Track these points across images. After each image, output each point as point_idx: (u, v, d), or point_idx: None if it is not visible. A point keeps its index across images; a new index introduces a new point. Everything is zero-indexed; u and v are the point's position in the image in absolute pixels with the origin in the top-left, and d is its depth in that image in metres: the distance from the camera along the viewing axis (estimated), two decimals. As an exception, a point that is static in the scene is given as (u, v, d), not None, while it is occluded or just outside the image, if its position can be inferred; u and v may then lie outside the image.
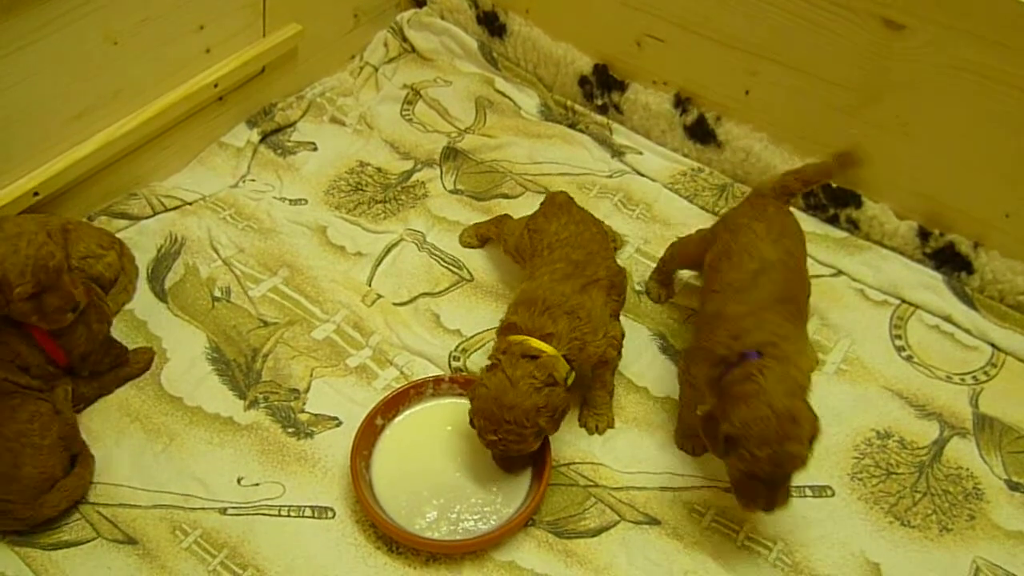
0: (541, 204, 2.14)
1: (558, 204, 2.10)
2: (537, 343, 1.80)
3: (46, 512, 1.75)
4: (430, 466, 1.87)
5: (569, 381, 1.82)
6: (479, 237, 2.32)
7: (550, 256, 1.98)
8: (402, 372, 2.06)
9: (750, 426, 1.57)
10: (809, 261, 2.28)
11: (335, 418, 1.97)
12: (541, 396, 1.74)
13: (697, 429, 1.74)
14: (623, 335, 1.96)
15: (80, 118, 2.17)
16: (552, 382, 1.77)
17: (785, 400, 1.59)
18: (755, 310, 1.76)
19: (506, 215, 2.29)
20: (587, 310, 1.87)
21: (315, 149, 2.60)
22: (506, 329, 1.87)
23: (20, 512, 1.73)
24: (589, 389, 1.97)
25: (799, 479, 1.82)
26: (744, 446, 1.58)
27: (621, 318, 2.06)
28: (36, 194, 2.10)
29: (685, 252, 2.13)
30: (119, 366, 2.01)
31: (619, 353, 1.96)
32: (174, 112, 2.35)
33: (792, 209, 2.39)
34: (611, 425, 1.97)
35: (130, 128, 2.26)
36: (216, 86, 2.43)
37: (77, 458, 1.83)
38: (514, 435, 1.74)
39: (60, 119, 2.13)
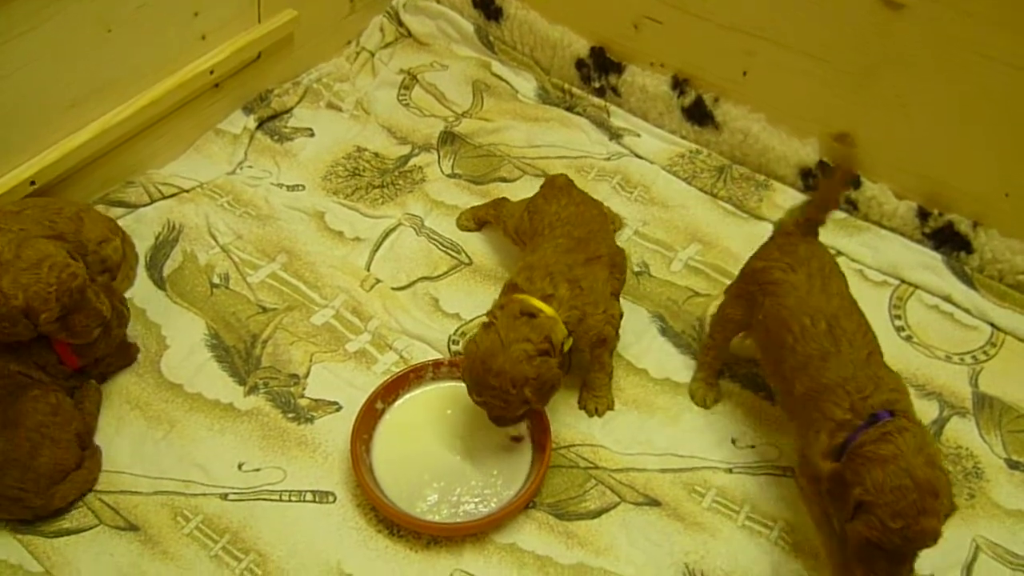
0: (541, 187, 2.13)
1: (558, 186, 2.10)
2: (537, 302, 1.79)
3: (56, 503, 1.76)
4: (430, 449, 1.88)
5: (566, 347, 1.81)
6: (476, 220, 2.32)
7: (551, 234, 1.97)
8: (401, 356, 2.06)
9: (886, 494, 1.44)
10: (808, 242, 2.30)
11: (335, 403, 1.97)
12: (532, 367, 1.72)
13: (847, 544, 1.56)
14: (621, 315, 1.96)
15: (76, 106, 2.16)
16: (546, 350, 1.75)
17: (926, 469, 1.46)
18: (860, 368, 1.63)
19: (504, 198, 2.29)
20: (589, 282, 1.87)
21: (312, 135, 2.59)
22: (507, 289, 1.86)
23: (32, 501, 1.74)
24: (588, 371, 1.97)
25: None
26: (875, 514, 1.45)
27: (620, 300, 2.06)
28: (33, 183, 2.10)
29: (725, 328, 1.94)
30: (127, 365, 2.02)
31: (617, 333, 1.96)
32: (170, 99, 2.35)
33: (793, 192, 2.41)
34: (611, 407, 1.97)
35: (126, 116, 2.25)
36: (212, 73, 2.42)
37: (86, 451, 1.85)
38: (499, 400, 1.74)
39: (56, 108, 2.13)
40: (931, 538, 1.45)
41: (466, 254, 2.28)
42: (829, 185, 1.86)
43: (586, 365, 1.97)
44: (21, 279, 1.71)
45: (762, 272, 1.82)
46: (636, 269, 2.24)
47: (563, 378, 1.81)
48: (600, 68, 2.66)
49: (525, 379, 1.71)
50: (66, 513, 1.79)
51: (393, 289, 2.20)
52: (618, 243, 2.19)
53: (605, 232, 2.05)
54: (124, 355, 2.00)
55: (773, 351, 1.76)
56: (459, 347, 2.06)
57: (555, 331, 1.77)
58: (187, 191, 2.40)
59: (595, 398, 1.97)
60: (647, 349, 2.08)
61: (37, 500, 1.74)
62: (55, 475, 1.75)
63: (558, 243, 1.93)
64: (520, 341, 1.72)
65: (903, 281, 2.23)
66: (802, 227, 1.86)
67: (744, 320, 1.87)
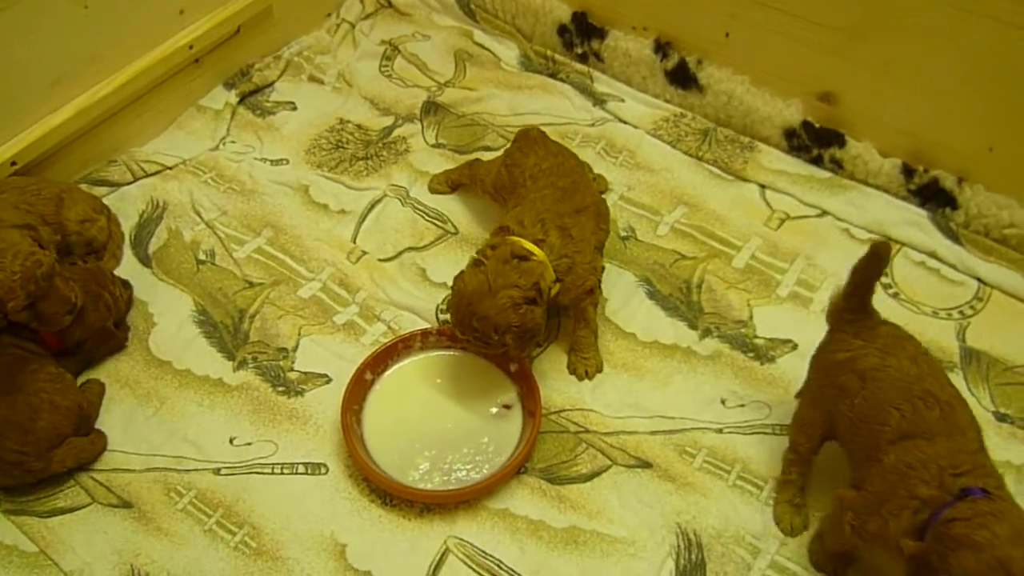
0: (514, 140, 2.14)
1: (532, 138, 2.10)
2: (529, 244, 1.80)
3: (55, 467, 1.77)
4: (421, 418, 1.88)
5: (553, 292, 1.82)
6: (450, 183, 2.31)
7: (535, 185, 1.98)
8: (390, 327, 2.06)
9: None
10: (794, 202, 2.31)
11: (324, 375, 1.98)
12: (516, 315, 1.73)
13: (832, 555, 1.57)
14: (603, 269, 1.96)
15: (55, 85, 2.15)
16: (533, 298, 1.76)
17: (1022, 563, 1.29)
18: (958, 443, 1.49)
19: (476, 159, 2.30)
20: (578, 231, 1.89)
21: (294, 109, 2.58)
22: (499, 231, 1.87)
23: (32, 464, 1.74)
24: (574, 331, 1.98)
25: (788, 418, 1.84)
26: None
27: (607, 264, 2.06)
28: (14, 163, 2.09)
29: (812, 438, 1.72)
30: (116, 350, 2.02)
31: (600, 286, 1.95)
32: (150, 76, 2.33)
33: (778, 153, 2.41)
34: (600, 369, 1.98)
35: (106, 93, 2.24)
36: (191, 48, 2.40)
37: (90, 435, 1.86)
38: (480, 341, 1.77)
39: (35, 87, 2.11)
40: None
41: (452, 223, 2.27)
42: (866, 260, 1.68)
43: (571, 325, 1.98)
44: None
45: (851, 362, 1.63)
46: (622, 234, 2.24)
47: (548, 334, 1.85)
48: (582, 33, 2.64)
49: (508, 326, 1.74)
50: (58, 492, 1.79)
51: (380, 260, 2.19)
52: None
53: (587, 180, 2.06)
54: (107, 343, 1.99)
55: (868, 431, 1.58)
56: (446, 316, 2.06)
57: (544, 276, 1.79)
58: (170, 168, 2.39)
59: (583, 360, 1.97)
60: (635, 313, 2.08)
61: (37, 463, 1.75)
62: (54, 439, 1.76)
63: (544, 194, 1.94)
64: (508, 287, 1.74)
65: (889, 238, 2.23)
66: (854, 304, 1.68)
67: (828, 420, 1.67)
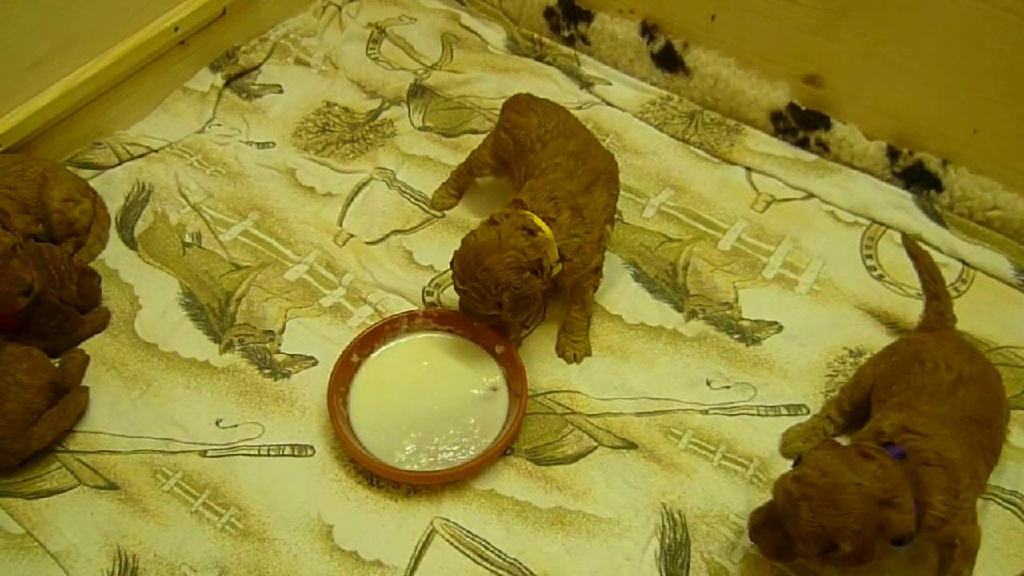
0: (504, 109, 2.14)
1: (524, 101, 2.12)
2: (539, 221, 1.83)
3: (35, 444, 1.77)
4: (407, 400, 1.88)
5: (554, 272, 1.85)
6: (454, 191, 2.28)
7: (545, 151, 1.98)
8: (376, 309, 2.06)
9: None
10: (780, 185, 2.32)
11: (311, 357, 1.98)
12: (518, 277, 1.78)
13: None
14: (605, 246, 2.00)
15: (38, 67, 2.14)
16: (536, 268, 1.80)
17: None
18: (925, 408, 1.63)
19: (464, 162, 2.27)
20: (590, 211, 1.91)
21: (281, 91, 2.57)
22: (513, 203, 1.89)
23: (10, 446, 1.74)
24: (568, 311, 1.99)
25: (773, 398, 1.86)
26: None
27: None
28: (-2, 145, 2.08)
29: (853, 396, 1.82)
30: (63, 333, 1.98)
31: (602, 267, 1.98)
32: (135, 58, 2.33)
33: (764, 135, 2.42)
34: (588, 353, 1.98)
35: (91, 75, 2.23)
36: (177, 30, 2.39)
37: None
38: (478, 294, 1.80)
39: (17, 68, 2.10)
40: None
41: (439, 206, 2.28)
42: (924, 276, 1.90)
43: (561, 307, 2.00)
44: None
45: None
46: (609, 216, 2.24)
47: (535, 316, 1.90)
48: (569, 16, 2.64)
49: (508, 284, 1.78)
50: (44, 474, 1.80)
51: (366, 243, 2.19)
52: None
53: (594, 139, 2.08)
54: (55, 318, 1.95)
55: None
56: (433, 298, 2.07)
57: (548, 255, 1.82)
58: (156, 151, 2.38)
59: (573, 344, 1.98)
60: (621, 295, 2.09)
61: (15, 444, 1.75)
62: (27, 417, 1.76)
63: (557, 163, 1.95)
64: (516, 249, 1.78)
65: (874, 221, 2.24)
66: (937, 321, 1.87)
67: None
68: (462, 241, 1.85)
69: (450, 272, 2.09)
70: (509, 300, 1.79)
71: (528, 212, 1.85)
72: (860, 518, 1.44)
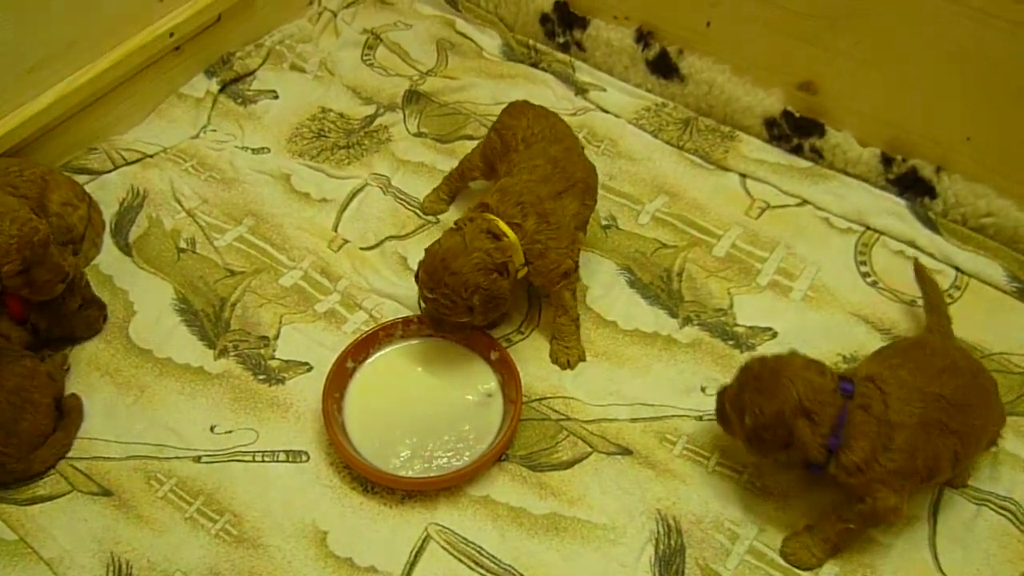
0: (502, 112, 2.15)
1: (519, 105, 2.14)
2: (504, 226, 1.84)
3: (36, 467, 1.77)
4: (402, 406, 1.88)
5: (520, 275, 1.87)
6: (446, 195, 2.28)
7: (527, 152, 1.99)
8: (371, 315, 2.06)
9: None
10: (774, 191, 2.32)
11: (306, 363, 1.98)
12: (486, 278, 1.79)
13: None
14: (579, 250, 1.99)
15: (33, 72, 2.14)
16: (502, 269, 1.81)
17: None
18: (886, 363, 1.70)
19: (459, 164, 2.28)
20: (557, 217, 1.90)
21: (276, 97, 2.58)
22: (479, 207, 1.89)
23: (13, 465, 1.74)
24: (553, 318, 1.99)
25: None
26: None
27: (589, 253, 2.08)
28: (-8, 150, 2.08)
29: None
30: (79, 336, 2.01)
31: (577, 266, 1.97)
32: (130, 63, 2.32)
33: (758, 142, 2.42)
34: (582, 358, 1.98)
35: (86, 80, 2.23)
36: (172, 35, 2.39)
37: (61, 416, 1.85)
38: (448, 300, 1.80)
39: (13, 73, 2.10)
40: None
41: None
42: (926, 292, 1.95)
43: (551, 308, 2.01)
44: None
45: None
46: (604, 222, 2.24)
47: (528, 321, 1.94)
48: (564, 23, 2.64)
49: (477, 286, 1.79)
50: (38, 480, 1.79)
51: (361, 249, 2.19)
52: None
53: (579, 149, 2.08)
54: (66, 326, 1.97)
55: None
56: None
57: (513, 259, 1.84)
58: (151, 156, 2.38)
59: (565, 350, 1.98)
60: (616, 301, 2.09)
61: (18, 465, 1.74)
62: (35, 440, 1.76)
63: (535, 166, 1.96)
64: (481, 251, 1.80)
65: (868, 227, 2.24)
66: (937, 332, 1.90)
67: None
68: (426, 251, 1.85)
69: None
70: (480, 303, 1.81)
71: (492, 216, 1.85)
72: (778, 409, 1.57)
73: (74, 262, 1.87)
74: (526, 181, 1.92)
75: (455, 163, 2.28)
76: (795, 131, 2.38)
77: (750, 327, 2.04)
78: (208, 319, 2.05)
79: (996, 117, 2.10)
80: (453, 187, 2.28)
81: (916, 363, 1.67)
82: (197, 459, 1.83)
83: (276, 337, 2.02)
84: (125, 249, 2.17)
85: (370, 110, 2.54)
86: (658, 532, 1.73)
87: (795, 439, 1.58)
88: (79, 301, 1.94)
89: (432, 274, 1.81)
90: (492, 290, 1.80)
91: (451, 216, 2.26)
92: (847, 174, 2.34)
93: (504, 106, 2.16)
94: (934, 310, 1.92)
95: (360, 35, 2.77)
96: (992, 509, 1.76)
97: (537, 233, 1.87)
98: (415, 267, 2.12)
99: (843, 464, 1.58)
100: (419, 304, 1.91)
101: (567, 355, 1.98)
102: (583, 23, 2.62)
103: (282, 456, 1.84)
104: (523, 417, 1.87)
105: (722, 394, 1.73)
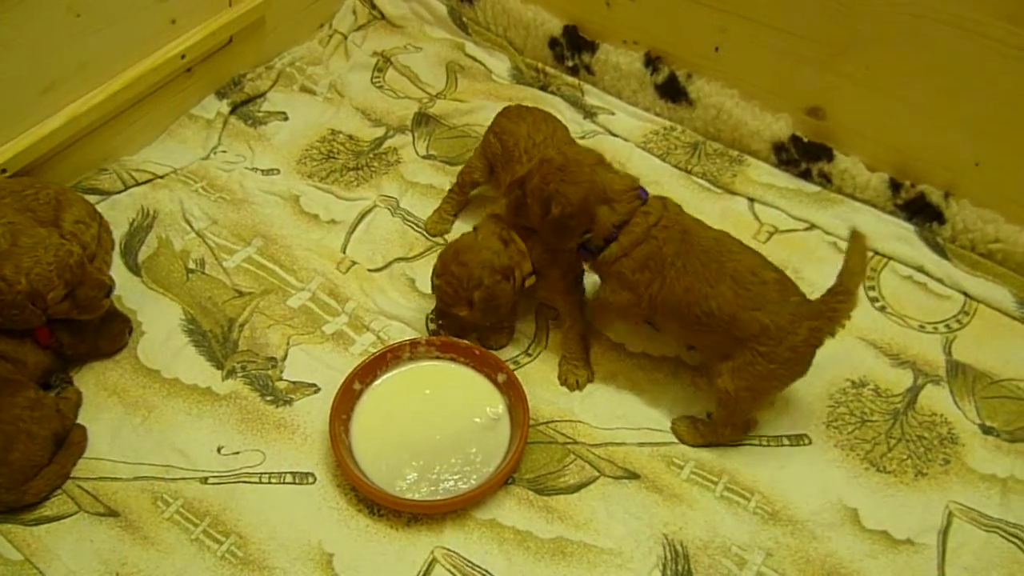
0: (497, 115, 2.20)
1: (515, 109, 2.19)
2: (516, 236, 1.93)
3: (28, 499, 1.76)
4: (409, 428, 1.88)
5: (527, 284, 1.95)
6: (450, 214, 2.30)
7: (530, 163, 2.01)
8: (379, 337, 2.06)
9: None
10: (783, 216, 2.33)
11: (313, 385, 1.98)
12: (489, 277, 1.89)
13: None
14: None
15: (47, 92, 2.15)
16: (508, 273, 1.90)
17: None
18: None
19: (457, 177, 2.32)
20: None
21: (286, 119, 2.59)
22: (492, 216, 1.99)
23: (4, 496, 1.73)
24: (563, 334, 2.02)
25: (776, 429, 1.85)
26: None
27: (596, 277, 2.08)
28: (4, 171, 2.08)
29: None
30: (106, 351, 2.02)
31: (582, 275, 2.04)
32: (142, 84, 2.34)
33: (766, 166, 2.43)
34: (591, 380, 1.99)
35: (98, 101, 2.24)
36: (183, 57, 2.41)
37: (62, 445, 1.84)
38: (451, 288, 1.91)
39: (26, 94, 2.11)
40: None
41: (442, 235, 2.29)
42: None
43: (560, 335, 2.02)
44: (22, 264, 1.77)
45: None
46: (612, 246, 2.25)
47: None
48: (573, 47, 2.66)
49: (480, 282, 1.88)
50: (44, 500, 1.78)
51: (369, 271, 2.20)
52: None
53: (577, 154, 2.10)
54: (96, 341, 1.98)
55: None
56: (435, 326, 2.07)
57: (522, 266, 1.93)
58: (161, 177, 2.39)
59: (574, 371, 1.98)
60: (623, 324, 2.09)
61: (8, 496, 1.73)
62: (28, 471, 1.74)
63: None
64: (492, 252, 1.90)
65: (877, 252, 2.24)
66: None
67: None
68: (447, 245, 1.98)
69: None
70: (479, 299, 1.88)
71: (505, 226, 1.94)
72: (584, 195, 1.77)
73: (109, 273, 1.90)
74: None
75: (463, 185, 2.30)
76: (803, 156, 2.38)
77: (758, 351, 2.03)
78: (216, 340, 2.05)
79: (1005, 143, 2.11)
80: (455, 204, 2.30)
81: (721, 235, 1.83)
82: (204, 480, 1.83)
83: (284, 358, 2.02)
84: (134, 269, 2.18)
85: (379, 132, 2.55)
86: (665, 557, 1.73)
87: (595, 224, 1.80)
88: (102, 315, 1.95)
89: (444, 262, 1.92)
90: (493, 289, 1.89)
91: (455, 234, 2.26)
92: (855, 199, 2.34)
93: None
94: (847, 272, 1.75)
95: (370, 58, 2.79)
96: (1002, 536, 1.75)
97: (541, 252, 1.94)
98: (423, 289, 2.14)
99: (605, 256, 1.81)
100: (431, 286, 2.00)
101: (576, 376, 1.98)
102: (592, 47, 2.63)
103: (289, 478, 1.84)
104: (530, 440, 1.87)
105: (521, 184, 1.87)
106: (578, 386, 1.98)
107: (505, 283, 1.90)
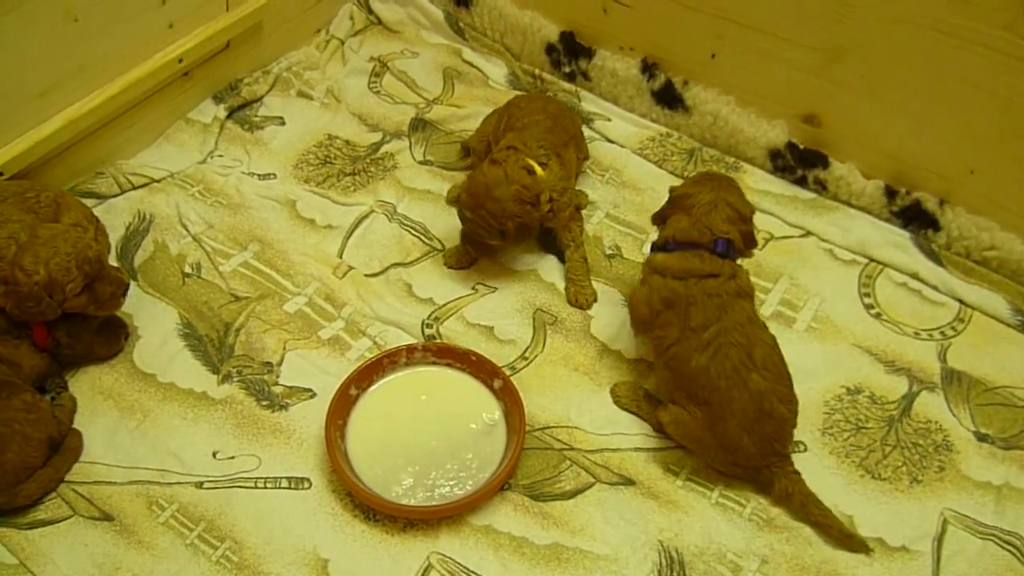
0: (508, 104, 2.37)
1: (526, 96, 2.41)
2: (535, 163, 2.07)
3: (20, 501, 1.75)
4: (405, 434, 1.88)
5: (546, 209, 2.07)
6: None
7: (526, 108, 2.28)
8: (375, 342, 2.06)
9: None
10: (778, 222, 2.34)
11: (309, 390, 1.97)
12: (520, 208, 2.04)
13: None
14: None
15: (43, 96, 2.14)
16: (535, 201, 2.05)
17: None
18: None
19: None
20: (567, 160, 2.20)
21: (283, 123, 2.59)
22: (508, 149, 2.10)
23: None
24: (566, 257, 2.18)
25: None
26: None
27: (593, 282, 2.15)
28: (1, 174, 2.08)
29: None
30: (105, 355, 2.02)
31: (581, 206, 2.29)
32: (139, 89, 2.33)
33: (762, 173, 2.44)
34: (595, 299, 2.14)
35: (95, 105, 2.24)
36: (181, 61, 2.41)
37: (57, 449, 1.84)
38: (485, 223, 2.05)
39: (23, 98, 2.11)
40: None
41: (438, 240, 2.28)
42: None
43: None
44: (41, 254, 1.78)
45: None
46: (608, 252, 2.25)
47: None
48: (570, 53, 2.66)
49: (513, 215, 2.04)
50: (39, 504, 1.78)
51: (366, 276, 2.20)
52: (589, 226, 2.30)
53: (571, 116, 2.39)
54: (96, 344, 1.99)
55: None
56: (432, 331, 2.07)
57: (545, 192, 2.06)
58: (158, 181, 2.39)
59: (581, 290, 2.13)
60: (620, 330, 2.09)
61: (1, 497, 1.73)
62: (21, 473, 1.74)
63: (536, 120, 2.22)
64: (519, 184, 2.03)
65: (872, 259, 2.25)
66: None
67: None
68: (469, 176, 2.12)
69: (448, 305, 2.11)
70: (513, 229, 2.05)
71: (524, 155, 2.07)
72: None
73: (124, 271, 1.91)
74: (536, 132, 2.18)
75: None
76: (799, 163, 2.39)
77: (754, 358, 2.04)
78: (212, 344, 2.05)
79: (1000, 151, 2.11)
80: (472, 144, 2.45)
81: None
82: (199, 485, 1.83)
83: (280, 363, 2.02)
84: (130, 273, 2.18)
85: (376, 137, 2.56)
86: (660, 563, 1.73)
87: (664, 224, 1.93)
88: (100, 318, 1.95)
89: (475, 197, 2.04)
90: (525, 219, 2.05)
91: (449, 233, 2.27)
92: (851, 206, 2.35)
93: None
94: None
95: (367, 63, 2.79)
96: (997, 544, 1.75)
97: (559, 171, 2.11)
98: (420, 295, 2.14)
99: (652, 258, 1.91)
100: (460, 218, 2.14)
101: (583, 295, 2.13)
102: (589, 53, 2.64)
103: (284, 483, 1.83)
104: (526, 446, 1.87)
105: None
106: (587, 304, 2.13)
107: (534, 210, 2.05)
